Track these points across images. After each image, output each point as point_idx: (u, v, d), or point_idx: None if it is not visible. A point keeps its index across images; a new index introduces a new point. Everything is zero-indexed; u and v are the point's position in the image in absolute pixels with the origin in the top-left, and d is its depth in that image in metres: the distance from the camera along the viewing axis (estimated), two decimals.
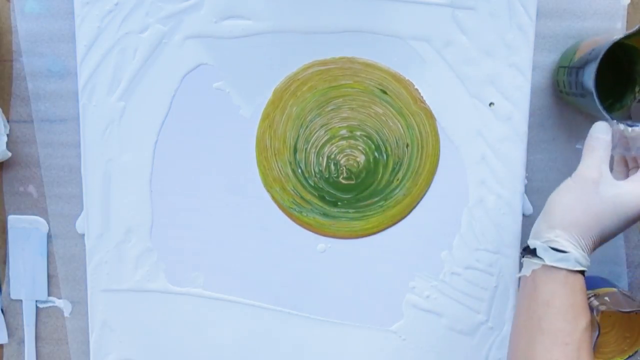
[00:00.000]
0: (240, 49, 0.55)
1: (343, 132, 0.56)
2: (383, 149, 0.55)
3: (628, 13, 0.56)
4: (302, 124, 0.55)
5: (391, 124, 0.55)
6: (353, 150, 0.56)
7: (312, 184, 0.56)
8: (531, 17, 0.53)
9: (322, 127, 0.55)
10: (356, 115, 0.55)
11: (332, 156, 0.56)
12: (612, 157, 0.47)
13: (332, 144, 0.56)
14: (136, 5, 0.54)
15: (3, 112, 0.58)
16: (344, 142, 0.56)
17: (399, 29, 0.54)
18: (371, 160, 0.56)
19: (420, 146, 0.55)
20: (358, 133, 0.55)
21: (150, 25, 0.54)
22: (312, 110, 0.55)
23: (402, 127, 0.55)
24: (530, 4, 0.53)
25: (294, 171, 0.56)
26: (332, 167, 0.56)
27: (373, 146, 0.55)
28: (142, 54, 0.55)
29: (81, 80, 0.55)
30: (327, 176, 0.56)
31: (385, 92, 0.55)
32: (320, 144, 0.56)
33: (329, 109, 0.55)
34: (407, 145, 0.55)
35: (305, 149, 0.56)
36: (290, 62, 0.55)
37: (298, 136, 0.56)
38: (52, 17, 0.57)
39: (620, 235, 0.59)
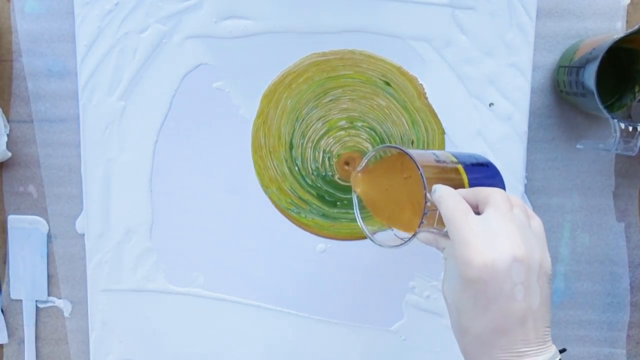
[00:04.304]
0: (240, 49, 0.55)
1: (342, 122, 0.54)
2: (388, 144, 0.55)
3: (628, 13, 0.56)
4: (297, 117, 0.54)
5: (395, 118, 0.54)
6: (353, 137, 0.54)
7: (310, 183, 0.56)
8: (531, 17, 0.53)
9: (319, 119, 0.54)
10: (357, 107, 0.54)
11: (328, 149, 0.54)
12: None
13: (329, 136, 0.54)
14: (136, 5, 0.54)
15: (3, 112, 0.58)
16: (342, 132, 0.54)
17: (399, 29, 0.54)
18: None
19: (426, 144, 0.55)
20: (359, 124, 0.54)
21: (150, 25, 0.54)
22: (308, 102, 0.54)
23: (406, 123, 0.54)
24: (530, 4, 0.53)
25: (290, 169, 0.56)
26: (327, 162, 0.54)
27: (378, 139, 0.54)
28: (142, 54, 0.55)
29: (81, 80, 0.55)
30: (324, 174, 0.55)
31: (388, 84, 0.54)
32: (317, 137, 0.54)
33: (327, 100, 0.53)
34: (412, 142, 0.55)
35: (302, 144, 0.55)
36: (290, 62, 0.55)
37: (294, 131, 0.54)
38: (52, 17, 0.57)
39: (622, 235, 0.59)
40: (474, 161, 0.47)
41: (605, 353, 0.60)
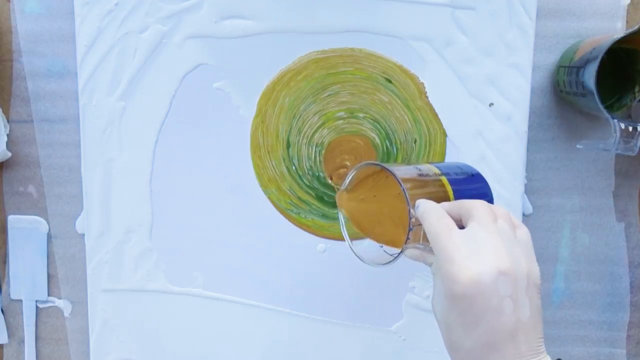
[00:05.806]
0: (240, 49, 0.54)
1: (341, 114, 0.53)
2: (393, 140, 0.54)
3: (628, 13, 0.56)
4: (295, 114, 0.53)
5: (398, 114, 0.53)
6: (353, 125, 0.52)
7: (307, 183, 0.56)
8: (531, 17, 0.53)
9: (315, 114, 0.52)
10: (357, 100, 0.52)
11: (320, 141, 0.52)
12: None
13: (324, 128, 0.53)
14: (136, 5, 0.54)
15: (3, 112, 0.58)
16: (340, 122, 0.52)
17: (399, 29, 0.54)
18: (384, 150, 0.53)
19: (428, 143, 0.55)
20: (361, 115, 0.52)
21: (150, 25, 0.54)
22: (306, 98, 0.53)
23: (409, 120, 0.53)
24: (530, 4, 0.53)
25: (288, 169, 0.55)
26: (317, 157, 0.53)
27: (383, 132, 0.53)
28: (142, 54, 0.55)
29: (81, 80, 0.55)
30: (317, 174, 0.55)
31: (390, 81, 0.53)
32: (312, 131, 0.53)
33: (325, 95, 0.52)
34: (415, 141, 0.54)
35: (298, 142, 0.54)
36: (290, 62, 0.55)
37: (291, 128, 0.54)
38: (52, 17, 0.57)
39: (622, 235, 0.59)
40: (459, 171, 0.47)
41: (605, 353, 0.60)
